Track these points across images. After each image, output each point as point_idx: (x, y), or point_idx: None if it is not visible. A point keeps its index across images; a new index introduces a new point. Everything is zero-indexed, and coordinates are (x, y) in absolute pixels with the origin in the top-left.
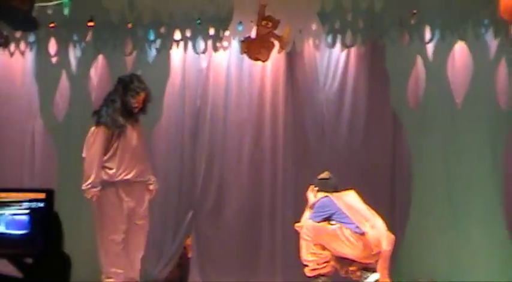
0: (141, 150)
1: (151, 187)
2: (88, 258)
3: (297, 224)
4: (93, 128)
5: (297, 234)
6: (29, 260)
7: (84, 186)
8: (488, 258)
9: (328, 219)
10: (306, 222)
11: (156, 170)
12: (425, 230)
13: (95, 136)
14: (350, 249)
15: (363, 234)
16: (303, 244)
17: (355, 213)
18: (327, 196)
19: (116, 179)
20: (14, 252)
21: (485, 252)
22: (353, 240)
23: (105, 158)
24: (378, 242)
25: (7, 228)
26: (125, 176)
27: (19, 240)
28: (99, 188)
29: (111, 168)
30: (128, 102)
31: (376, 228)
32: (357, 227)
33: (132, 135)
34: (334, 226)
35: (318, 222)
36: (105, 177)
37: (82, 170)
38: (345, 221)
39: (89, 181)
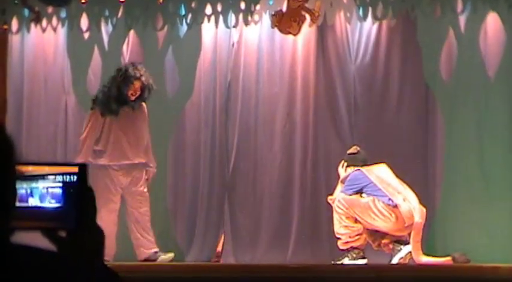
0: (137, 136)
1: (148, 173)
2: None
3: (329, 197)
4: (89, 113)
5: (329, 207)
6: (63, 234)
7: None
8: None
9: (359, 192)
10: (338, 195)
11: (188, 145)
12: (458, 203)
13: (88, 120)
14: (383, 222)
15: (395, 206)
16: (336, 217)
17: (387, 186)
18: (358, 169)
19: (106, 163)
20: (48, 226)
21: None
22: (386, 213)
23: (98, 142)
24: (410, 215)
25: (41, 201)
26: (116, 160)
27: (53, 213)
28: None
29: (102, 151)
30: (122, 90)
31: (408, 200)
32: (390, 199)
33: (126, 122)
34: (366, 199)
35: (350, 195)
36: (95, 160)
37: None
38: (377, 194)
39: (75, 161)
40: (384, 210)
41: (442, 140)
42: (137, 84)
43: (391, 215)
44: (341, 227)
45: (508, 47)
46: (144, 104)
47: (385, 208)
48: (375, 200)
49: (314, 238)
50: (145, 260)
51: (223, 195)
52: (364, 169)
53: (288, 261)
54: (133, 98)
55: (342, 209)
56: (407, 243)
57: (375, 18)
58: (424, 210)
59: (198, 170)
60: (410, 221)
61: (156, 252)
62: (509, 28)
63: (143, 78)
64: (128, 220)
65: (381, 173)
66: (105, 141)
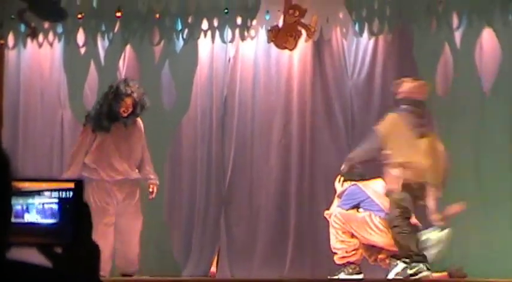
0: (131, 152)
1: (150, 186)
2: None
3: (326, 212)
4: (82, 128)
5: (326, 222)
6: (58, 250)
7: None
8: None
9: (356, 207)
10: (335, 210)
11: (184, 160)
12: (455, 219)
13: (80, 136)
14: (379, 237)
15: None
16: (332, 232)
17: (384, 201)
18: (355, 184)
19: (100, 178)
20: (44, 241)
21: None
22: (382, 228)
23: (90, 157)
24: None
25: (37, 217)
26: (109, 176)
27: (49, 229)
28: None
29: (93, 167)
30: (113, 107)
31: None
32: (387, 214)
33: (119, 138)
34: (363, 213)
35: (347, 210)
36: (86, 174)
37: None
38: (374, 209)
39: (64, 176)
40: (380, 225)
41: None
42: (128, 101)
43: (388, 229)
44: (337, 242)
45: (504, 63)
46: (139, 120)
47: (382, 223)
48: (372, 214)
49: (311, 252)
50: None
51: (219, 209)
52: (361, 184)
53: (285, 275)
54: (125, 114)
55: (338, 224)
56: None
57: (371, 33)
58: (420, 225)
59: (195, 184)
60: None
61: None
62: (505, 44)
63: (134, 95)
64: (117, 230)
65: (377, 188)
66: (96, 157)
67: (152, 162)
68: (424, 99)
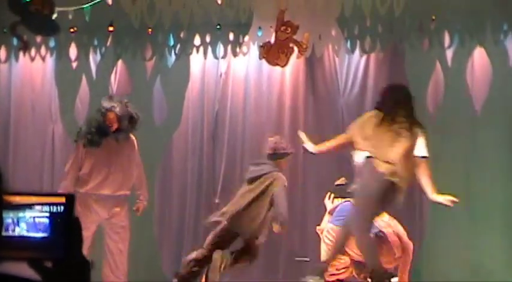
0: (122, 169)
1: (137, 204)
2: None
3: (318, 227)
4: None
5: (317, 237)
6: (49, 264)
7: None
8: (507, 264)
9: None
10: (327, 226)
11: (175, 174)
12: (444, 238)
13: (73, 152)
14: None
15: (386, 238)
16: (323, 248)
17: (377, 218)
18: (347, 201)
19: (85, 191)
20: (34, 256)
21: (504, 258)
22: (376, 246)
23: (81, 172)
24: (400, 247)
25: (28, 231)
26: (95, 190)
27: (39, 243)
28: None
29: (85, 182)
30: (99, 122)
31: (398, 233)
32: (380, 231)
33: (110, 154)
34: None
35: (338, 226)
36: (76, 187)
37: None
38: None
39: (58, 191)
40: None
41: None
42: (111, 115)
43: (380, 246)
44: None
45: (495, 81)
46: (132, 136)
47: (376, 240)
48: None
49: (304, 268)
50: None
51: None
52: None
53: None
54: (113, 129)
55: (330, 240)
56: (393, 275)
57: (363, 51)
58: (411, 244)
59: (185, 198)
60: (399, 254)
61: None
62: (496, 62)
63: (116, 110)
64: (106, 249)
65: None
66: (87, 171)
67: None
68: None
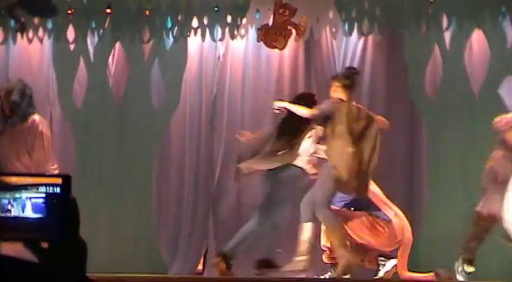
0: (28, 152)
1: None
2: (105, 245)
3: None
4: None
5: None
6: (45, 245)
7: None
8: (505, 251)
9: (349, 205)
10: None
11: (173, 158)
12: (442, 221)
13: None
14: (375, 237)
15: (389, 221)
16: (325, 230)
17: (380, 201)
18: None
19: None
20: (30, 236)
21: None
22: (379, 228)
23: None
24: (401, 230)
25: (24, 212)
26: None
27: (35, 224)
28: None
29: None
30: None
31: (399, 216)
32: (384, 214)
33: (13, 139)
34: (359, 213)
35: (340, 208)
36: None
37: (100, 156)
38: (370, 209)
39: None
40: (377, 225)
41: (427, 157)
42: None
43: (384, 229)
44: (329, 241)
45: (493, 64)
46: (36, 118)
47: (379, 223)
48: (368, 214)
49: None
50: None
51: (208, 207)
52: None
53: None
54: (7, 112)
55: (332, 223)
56: (392, 257)
57: (361, 33)
58: (410, 228)
59: (183, 182)
60: (401, 237)
61: None
62: (494, 45)
63: (5, 89)
64: None
65: (372, 188)
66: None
67: (141, 160)
68: None
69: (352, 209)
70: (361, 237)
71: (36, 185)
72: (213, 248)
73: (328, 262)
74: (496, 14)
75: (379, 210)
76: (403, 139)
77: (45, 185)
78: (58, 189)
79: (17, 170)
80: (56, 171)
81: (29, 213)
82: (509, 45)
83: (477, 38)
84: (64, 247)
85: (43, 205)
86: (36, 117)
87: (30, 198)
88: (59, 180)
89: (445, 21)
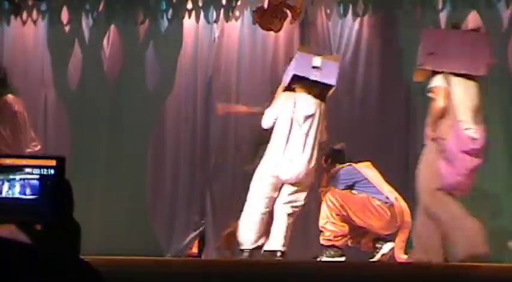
0: (8, 134)
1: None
2: (99, 227)
3: (321, 188)
4: None
5: (316, 203)
6: (38, 227)
7: None
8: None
9: (351, 187)
10: (330, 188)
11: (168, 140)
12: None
13: None
14: (377, 220)
15: (391, 205)
16: (326, 211)
17: (381, 184)
18: (350, 164)
19: None
20: (24, 218)
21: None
22: (381, 211)
23: None
24: (402, 214)
25: (17, 193)
26: None
27: (29, 206)
28: None
29: None
30: None
31: (399, 200)
32: (387, 197)
33: None
34: (361, 195)
35: (342, 189)
36: None
37: (95, 139)
38: (371, 191)
39: None
40: (379, 208)
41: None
42: None
43: (386, 213)
44: (328, 223)
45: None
46: (10, 98)
47: (381, 206)
48: (370, 197)
49: (300, 232)
50: None
51: (204, 190)
52: (355, 165)
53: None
54: None
55: (334, 205)
56: (388, 240)
57: (356, 15)
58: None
59: (179, 165)
60: (401, 220)
61: None
62: (489, 27)
63: None
64: None
65: (372, 171)
66: None
67: (136, 143)
68: None
69: (354, 191)
70: (363, 220)
71: (30, 167)
72: (211, 230)
73: (325, 244)
74: None
75: (381, 193)
76: (399, 122)
77: (39, 166)
78: (52, 171)
79: None
80: (38, 149)
81: (22, 194)
82: (505, 26)
83: (473, 20)
84: (57, 229)
85: (37, 187)
86: (9, 97)
87: (24, 179)
88: (53, 162)
89: (440, 3)
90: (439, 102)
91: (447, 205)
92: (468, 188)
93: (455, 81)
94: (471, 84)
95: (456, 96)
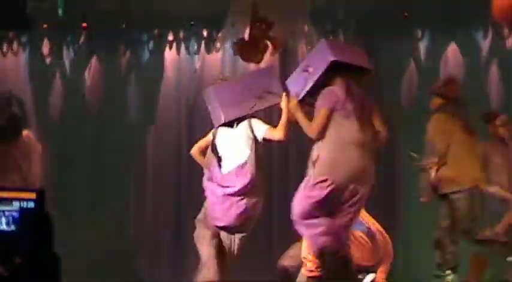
0: (18, 170)
1: None
2: (80, 257)
3: None
4: None
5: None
6: (17, 259)
7: None
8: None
9: None
10: None
11: (150, 174)
12: (418, 233)
13: None
14: (360, 252)
15: (373, 236)
16: (306, 244)
17: (363, 214)
18: None
19: None
20: (3, 250)
21: None
22: (363, 242)
23: None
24: (383, 245)
25: None
26: None
27: (8, 237)
28: None
29: None
30: None
31: (381, 231)
32: (369, 228)
33: (13, 159)
34: None
35: None
36: None
37: (76, 170)
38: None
39: None
40: (361, 239)
41: (402, 169)
42: None
43: (368, 244)
44: (310, 254)
45: (467, 76)
46: (26, 133)
47: (364, 238)
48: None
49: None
50: None
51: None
52: None
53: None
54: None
55: None
56: (370, 271)
57: None
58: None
59: (165, 194)
60: (383, 252)
61: None
62: (468, 58)
63: None
64: None
65: None
66: None
67: (117, 176)
68: None
69: None
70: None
71: (10, 199)
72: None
73: (308, 275)
74: (469, 27)
75: (363, 224)
76: (378, 152)
77: (19, 199)
78: (32, 204)
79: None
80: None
81: (2, 226)
82: (483, 57)
83: (452, 51)
84: (37, 260)
85: (17, 219)
86: (28, 132)
87: (4, 211)
88: (33, 195)
89: (420, 34)
90: None
91: None
92: None
93: None
94: None
95: None
